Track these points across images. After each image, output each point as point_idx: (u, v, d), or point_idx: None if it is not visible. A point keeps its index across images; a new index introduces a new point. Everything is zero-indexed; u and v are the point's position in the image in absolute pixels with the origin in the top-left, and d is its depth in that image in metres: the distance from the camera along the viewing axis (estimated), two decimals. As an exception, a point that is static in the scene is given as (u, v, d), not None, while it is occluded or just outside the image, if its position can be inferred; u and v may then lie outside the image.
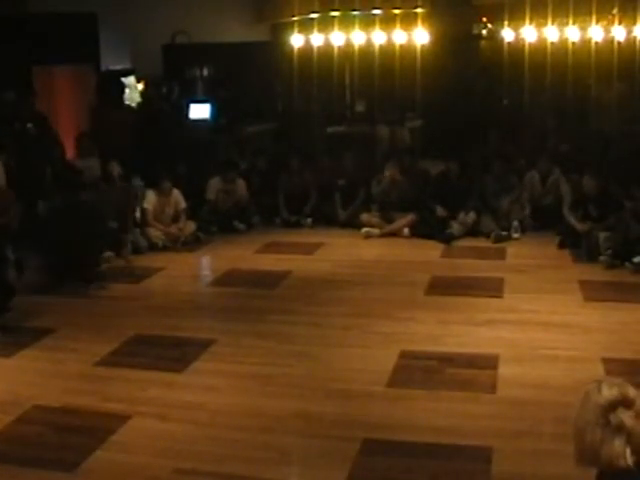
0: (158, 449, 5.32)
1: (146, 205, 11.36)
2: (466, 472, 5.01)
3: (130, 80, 15.95)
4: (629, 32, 13.92)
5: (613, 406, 2.92)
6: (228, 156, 13.15)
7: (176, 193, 11.59)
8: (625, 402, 2.94)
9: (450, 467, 5.07)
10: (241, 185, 12.45)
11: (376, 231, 11.81)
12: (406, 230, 11.79)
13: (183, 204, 11.60)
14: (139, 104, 15.72)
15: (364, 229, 11.81)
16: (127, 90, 15.60)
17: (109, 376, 6.64)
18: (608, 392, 2.95)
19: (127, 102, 15.38)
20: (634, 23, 13.86)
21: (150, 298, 9.03)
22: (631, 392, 2.98)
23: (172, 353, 7.13)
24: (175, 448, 5.34)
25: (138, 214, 11.42)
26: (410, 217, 11.90)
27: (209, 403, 6.07)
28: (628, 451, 2.89)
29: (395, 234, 11.80)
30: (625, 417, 2.91)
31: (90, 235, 9.58)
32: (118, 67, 15.69)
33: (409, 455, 5.24)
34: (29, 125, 11.90)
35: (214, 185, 12.30)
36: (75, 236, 9.36)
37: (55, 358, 7.07)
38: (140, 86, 16.11)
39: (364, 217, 12.06)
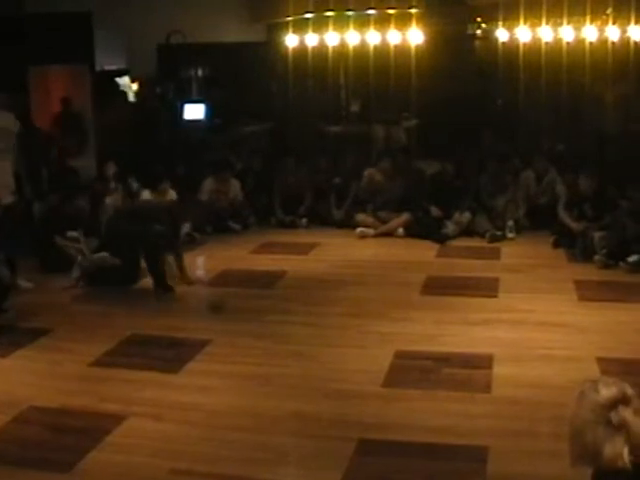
0: (154, 449, 5.32)
1: (142, 205, 11.34)
2: (462, 472, 5.01)
3: (125, 80, 15.94)
4: (623, 32, 13.91)
5: (613, 404, 2.93)
6: (222, 156, 13.14)
7: (171, 193, 11.57)
8: (624, 400, 2.95)
9: (446, 467, 5.07)
10: (235, 185, 12.45)
11: (371, 231, 11.82)
12: (401, 230, 11.82)
13: (178, 205, 11.59)
14: (134, 104, 15.71)
15: (359, 229, 11.83)
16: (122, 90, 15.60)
17: (105, 376, 6.64)
18: (607, 390, 2.96)
19: (131, 100, 15.38)
20: (628, 23, 13.86)
21: (145, 298, 9.02)
22: (628, 390, 2.99)
23: (168, 353, 7.13)
24: (171, 448, 5.33)
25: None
26: (405, 217, 11.92)
27: (205, 403, 6.07)
28: (626, 450, 2.90)
29: (390, 234, 11.81)
30: (627, 414, 2.92)
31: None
32: (113, 67, 15.67)
33: (405, 455, 5.24)
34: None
35: (208, 185, 12.30)
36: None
37: (51, 358, 7.07)
38: (135, 86, 16.10)
39: (359, 217, 12.08)
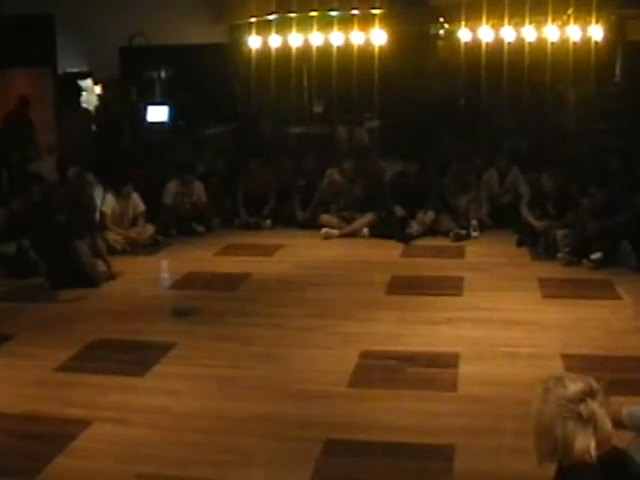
0: (120, 454, 5.29)
1: (105, 209, 11.29)
2: (428, 470, 5.03)
3: (87, 83, 15.85)
4: (584, 32, 14.04)
5: (581, 398, 2.95)
6: (186, 159, 13.10)
7: (135, 196, 11.53)
8: (591, 393, 2.97)
9: (412, 466, 5.09)
10: (199, 187, 12.41)
11: (335, 232, 11.83)
12: (365, 230, 11.83)
13: (142, 207, 11.54)
14: (97, 107, 15.63)
15: (323, 230, 11.83)
16: (84, 93, 15.51)
17: (69, 381, 6.58)
18: (574, 385, 2.98)
19: (84, 105, 15.28)
20: (589, 23, 13.98)
21: (109, 302, 8.97)
22: (594, 383, 3.01)
23: (132, 357, 7.09)
24: (137, 453, 5.30)
25: (97, 217, 11.36)
26: (369, 217, 11.93)
27: (170, 407, 6.04)
28: (593, 444, 2.92)
29: (355, 234, 11.83)
30: (595, 407, 2.94)
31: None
32: (75, 70, 15.58)
33: (372, 454, 5.25)
34: None
35: (171, 188, 12.25)
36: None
37: (14, 364, 7.00)
38: (97, 89, 16.02)
39: (323, 218, 12.09)
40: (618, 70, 14.63)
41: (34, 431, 5.65)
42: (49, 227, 9.51)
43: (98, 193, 12.13)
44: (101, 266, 9.78)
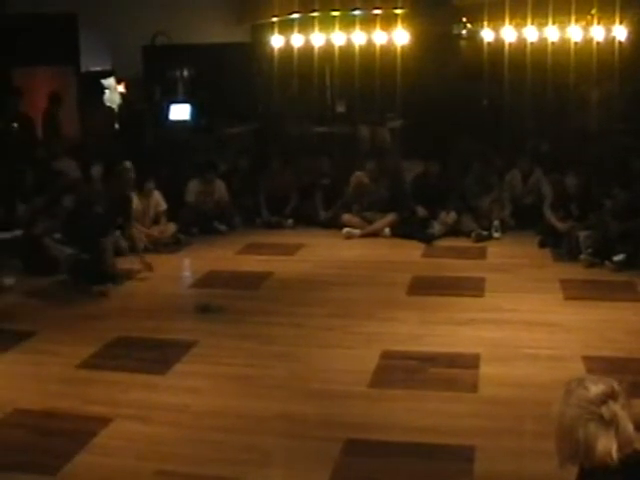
0: (140, 452, 5.31)
1: (127, 207, 11.32)
2: (449, 471, 5.02)
3: (110, 81, 15.91)
4: (608, 32, 13.97)
5: (603, 399, 2.93)
6: (208, 157, 13.12)
7: (157, 195, 11.56)
8: (613, 395, 2.95)
9: (433, 467, 5.08)
10: (220, 186, 12.43)
11: (357, 231, 11.82)
12: (387, 230, 11.82)
13: (164, 206, 11.57)
14: (119, 105, 15.69)
15: (345, 229, 11.82)
16: (107, 91, 15.56)
17: (91, 379, 6.62)
18: (596, 386, 2.96)
19: (107, 103, 15.33)
20: (613, 23, 13.92)
21: (131, 300, 9.00)
22: (616, 385, 2.99)
23: (154, 355, 7.11)
24: (157, 450, 5.32)
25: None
26: (391, 217, 11.92)
27: (191, 405, 6.06)
28: (615, 446, 2.90)
29: (376, 234, 11.82)
30: (617, 408, 2.92)
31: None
32: (98, 68, 15.64)
33: (391, 455, 5.25)
34: (14, 125, 11.85)
35: (193, 187, 12.28)
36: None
37: (36, 361, 7.04)
38: (120, 87, 16.08)
39: (345, 217, 12.08)
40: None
41: (55, 428, 5.69)
42: (87, 220, 9.56)
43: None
44: (128, 263, 9.84)
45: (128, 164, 11.01)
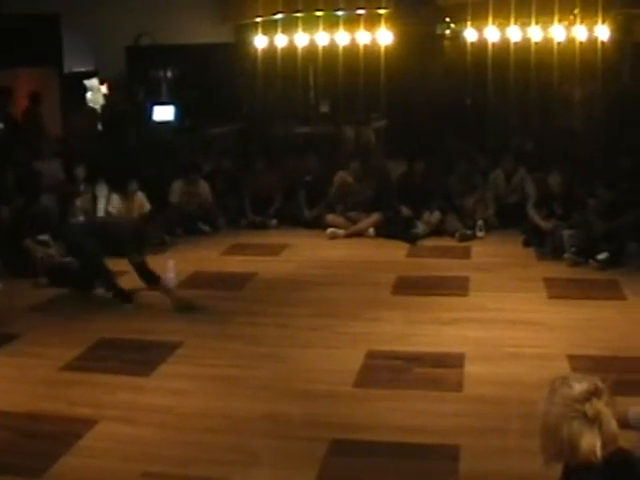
0: (126, 453, 5.30)
1: (111, 209, 11.30)
2: (434, 471, 5.03)
3: (93, 82, 15.87)
4: (590, 32, 14.03)
5: (587, 397, 2.94)
6: (191, 158, 13.11)
7: (140, 196, 11.54)
8: (597, 392, 2.97)
9: (418, 466, 5.09)
10: (204, 187, 12.42)
11: (341, 232, 11.83)
12: (371, 230, 11.83)
13: (147, 206, 11.55)
14: (102, 106, 15.65)
15: (329, 230, 11.83)
16: (90, 92, 15.53)
17: (75, 381, 6.60)
18: (580, 384, 2.97)
19: (90, 104, 15.29)
20: (595, 23, 13.97)
21: (115, 301, 8.96)
22: (599, 383, 3.01)
23: (139, 356, 7.10)
24: (143, 452, 5.31)
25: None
26: (375, 217, 11.93)
27: (176, 406, 6.05)
28: (599, 444, 2.91)
29: (361, 234, 11.82)
30: (601, 406, 2.94)
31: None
32: (81, 69, 15.59)
33: (377, 455, 5.25)
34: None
35: (177, 188, 12.27)
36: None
37: (21, 363, 7.01)
38: (103, 88, 16.03)
39: (329, 218, 12.09)
40: (624, 70, 14.61)
41: (40, 430, 5.67)
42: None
43: (103, 193, 12.14)
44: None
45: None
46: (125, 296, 8.88)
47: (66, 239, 9.48)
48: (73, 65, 15.34)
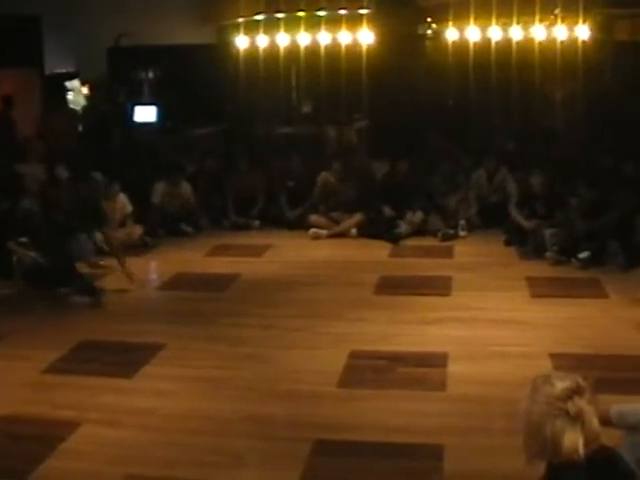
0: (109, 455, 5.28)
1: (92, 210, 11.27)
2: (418, 470, 5.04)
3: (75, 83, 15.81)
4: (571, 31, 14.08)
5: (569, 395, 2.96)
6: (174, 159, 13.07)
7: (122, 197, 11.49)
8: (579, 391, 2.98)
9: (402, 466, 5.09)
10: (186, 188, 12.39)
11: (324, 232, 11.82)
12: (354, 230, 11.83)
13: (129, 208, 11.51)
14: (84, 108, 15.59)
15: (312, 230, 11.81)
16: (72, 94, 15.47)
17: (58, 383, 6.57)
18: (562, 382, 2.99)
19: (72, 106, 15.24)
20: (576, 23, 14.03)
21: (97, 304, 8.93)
22: (581, 381, 3.02)
23: (121, 358, 7.07)
24: (126, 454, 5.29)
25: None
26: (358, 217, 11.93)
27: (160, 408, 6.03)
28: (581, 442, 2.93)
29: (344, 235, 11.82)
30: (583, 404, 2.95)
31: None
32: (63, 70, 15.54)
33: (361, 455, 5.26)
34: None
35: (159, 189, 12.23)
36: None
37: (3, 366, 6.97)
38: (85, 90, 15.98)
39: (312, 218, 12.07)
40: (606, 69, 14.67)
41: (23, 433, 5.64)
42: (49, 225, 9.46)
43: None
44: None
45: (98, 175, 10.97)
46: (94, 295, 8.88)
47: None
48: (54, 66, 15.29)
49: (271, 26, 15.03)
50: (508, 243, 10.92)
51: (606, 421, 3.57)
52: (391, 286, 9.29)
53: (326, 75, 14.89)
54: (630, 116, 13.14)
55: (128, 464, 5.15)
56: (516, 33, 14.14)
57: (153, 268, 10.80)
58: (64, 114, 14.50)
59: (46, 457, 5.22)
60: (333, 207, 12.18)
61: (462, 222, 11.63)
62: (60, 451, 5.33)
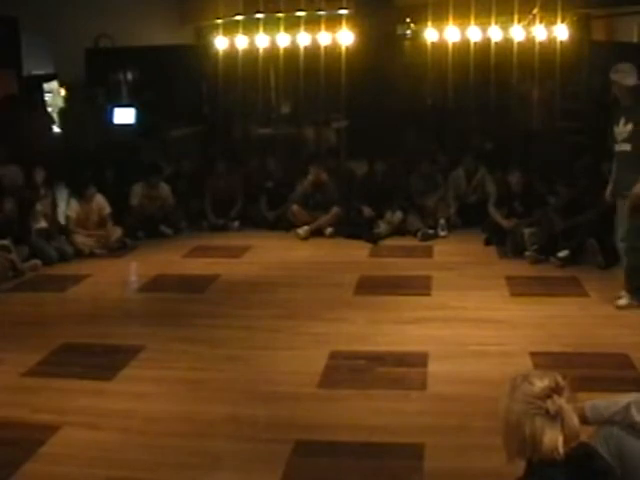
0: (89, 459, 5.25)
1: (70, 213, 11.24)
2: (399, 470, 5.04)
3: (53, 85, 15.74)
4: (549, 31, 14.13)
5: (548, 394, 2.97)
6: (152, 160, 13.04)
7: (99, 198, 11.46)
8: (558, 389, 2.99)
9: (383, 465, 5.10)
10: (165, 190, 12.36)
11: (306, 228, 11.76)
12: (329, 230, 11.81)
13: (107, 209, 11.47)
14: (62, 109, 15.52)
15: (300, 230, 11.74)
16: (50, 95, 15.40)
17: (37, 386, 6.53)
18: (540, 381, 3.00)
19: (50, 108, 15.17)
20: (554, 23, 14.08)
21: (76, 306, 8.91)
22: (560, 380, 3.03)
23: (101, 361, 7.04)
24: (106, 457, 5.27)
25: (63, 221, 11.34)
26: (334, 211, 11.91)
27: (140, 410, 6.01)
28: (561, 440, 2.94)
29: (320, 231, 11.79)
30: (562, 402, 2.96)
31: None
32: (41, 72, 15.46)
33: (342, 455, 5.25)
34: None
35: (137, 190, 12.19)
36: None
37: (-19, 370, 6.94)
38: (63, 91, 15.91)
39: (294, 208, 12.01)
40: (583, 69, 14.73)
41: (2, 437, 5.61)
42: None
43: (63, 197, 12.08)
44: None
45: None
46: None
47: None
48: (32, 68, 15.20)
49: (250, 27, 15.00)
50: (487, 242, 10.95)
51: (584, 419, 3.58)
52: (371, 286, 9.30)
53: (305, 76, 14.88)
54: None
55: (108, 467, 5.13)
56: (494, 33, 14.17)
57: (132, 270, 10.76)
58: (42, 116, 14.41)
59: (25, 461, 5.19)
60: (312, 207, 12.15)
61: (442, 222, 11.66)
62: (39, 455, 5.30)
